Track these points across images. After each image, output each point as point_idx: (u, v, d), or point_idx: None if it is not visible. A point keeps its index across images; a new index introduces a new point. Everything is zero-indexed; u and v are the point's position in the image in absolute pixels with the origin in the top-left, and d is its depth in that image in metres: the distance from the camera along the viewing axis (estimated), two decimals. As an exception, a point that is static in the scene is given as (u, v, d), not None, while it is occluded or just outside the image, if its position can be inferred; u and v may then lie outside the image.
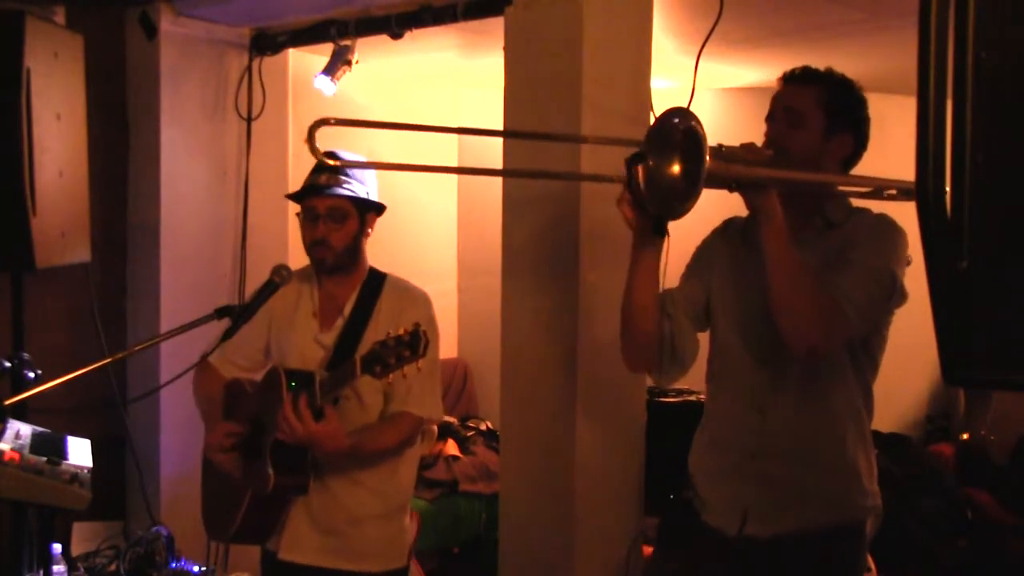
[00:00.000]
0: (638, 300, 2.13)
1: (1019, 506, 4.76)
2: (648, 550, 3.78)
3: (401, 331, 2.24)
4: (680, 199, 1.85)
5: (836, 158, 2.15)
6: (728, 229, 2.32)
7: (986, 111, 0.92)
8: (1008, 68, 0.91)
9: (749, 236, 2.14)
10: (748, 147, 2.01)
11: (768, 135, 2.14)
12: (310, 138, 1.90)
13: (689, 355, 2.23)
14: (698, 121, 1.86)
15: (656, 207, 1.92)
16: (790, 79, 2.18)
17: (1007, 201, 0.93)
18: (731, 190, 1.98)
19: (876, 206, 2.20)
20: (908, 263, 2.08)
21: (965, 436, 5.32)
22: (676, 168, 1.89)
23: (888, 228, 2.09)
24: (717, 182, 1.90)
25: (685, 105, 3.14)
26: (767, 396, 2.14)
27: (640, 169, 1.93)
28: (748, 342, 2.17)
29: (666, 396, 3.89)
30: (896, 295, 2.06)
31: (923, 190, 0.93)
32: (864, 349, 2.14)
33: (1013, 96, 0.92)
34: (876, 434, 5.02)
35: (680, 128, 1.88)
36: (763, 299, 2.02)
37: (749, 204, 2.01)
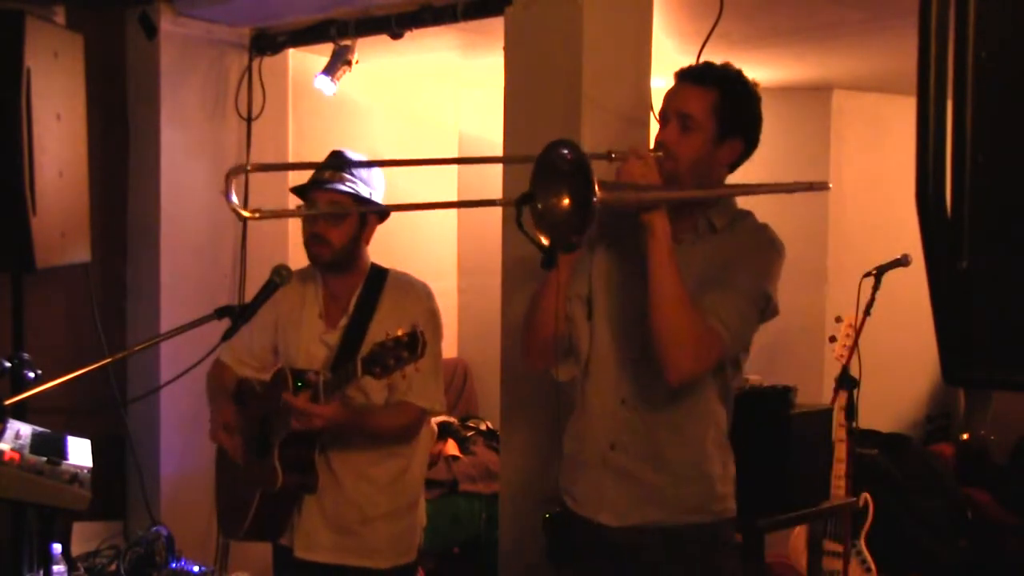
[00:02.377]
0: (547, 307, 2.14)
1: (1019, 506, 4.77)
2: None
3: (400, 332, 2.25)
4: (573, 232, 1.83)
5: (724, 162, 2.15)
6: (611, 222, 2.27)
7: (986, 111, 0.92)
8: (1008, 68, 0.91)
9: (632, 234, 2.11)
10: (636, 152, 2.01)
11: (658, 137, 2.13)
12: (226, 186, 1.85)
13: (584, 350, 2.23)
14: (582, 152, 1.82)
15: (551, 242, 1.88)
16: (686, 78, 2.14)
17: (1007, 201, 0.93)
18: None
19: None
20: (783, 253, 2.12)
21: (965, 436, 5.32)
22: (566, 203, 1.85)
23: (766, 245, 2.13)
24: (611, 209, 1.88)
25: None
26: (631, 390, 2.16)
27: (528, 209, 1.89)
28: (618, 335, 2.18)
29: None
30: (767, 312, 2.10)
31: (923, 190, 0.93)
32: (729, 358, 2.15)
33: (1013, 96, 0.92)
34: (876, 434, 5.04)
35: (567, 160, 1.84)
36: (638, 297, 2.03)
37: (639, 215, 2.01)
